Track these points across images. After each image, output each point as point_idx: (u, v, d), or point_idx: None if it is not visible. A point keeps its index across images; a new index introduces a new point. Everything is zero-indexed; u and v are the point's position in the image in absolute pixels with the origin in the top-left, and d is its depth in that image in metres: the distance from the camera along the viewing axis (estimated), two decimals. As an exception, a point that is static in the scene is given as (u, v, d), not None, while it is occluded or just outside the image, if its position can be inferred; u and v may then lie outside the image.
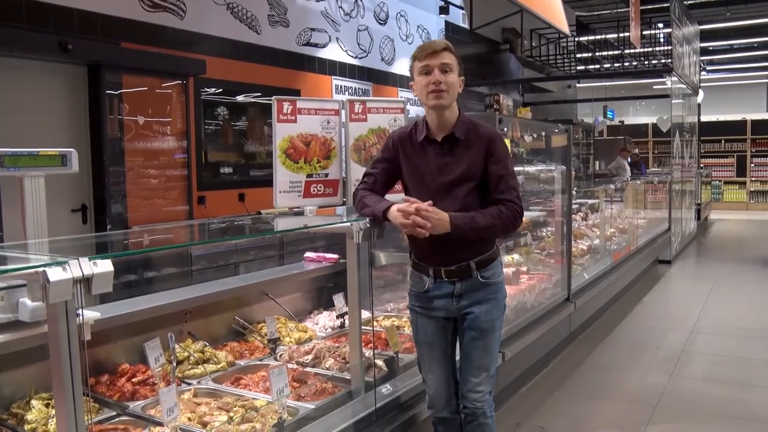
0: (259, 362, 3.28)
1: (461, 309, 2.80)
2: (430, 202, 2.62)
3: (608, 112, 17.68)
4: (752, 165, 20.42)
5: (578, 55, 16.17)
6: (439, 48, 2.68)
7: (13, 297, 2.30)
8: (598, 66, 16.87)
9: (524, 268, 5.28)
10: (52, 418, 2.45)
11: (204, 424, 2.53)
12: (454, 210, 2.68)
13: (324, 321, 3.96)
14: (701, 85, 15.49)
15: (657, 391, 4.62)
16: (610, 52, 16.52)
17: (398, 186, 2.97)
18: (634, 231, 8.76)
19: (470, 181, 2.72)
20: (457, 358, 2.96)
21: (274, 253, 6.01)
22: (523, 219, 2.81)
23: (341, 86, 9.07)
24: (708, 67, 20.02)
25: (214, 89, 7.13)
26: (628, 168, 13.18)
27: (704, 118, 17.53)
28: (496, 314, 2.84)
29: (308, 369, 3.16)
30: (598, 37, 15.81)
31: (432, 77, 2.67)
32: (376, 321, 3.86)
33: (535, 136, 5.59)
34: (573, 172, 6.06)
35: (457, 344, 2.93)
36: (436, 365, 2.90)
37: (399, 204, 2.68)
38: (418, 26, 10.93)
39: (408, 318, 4.03)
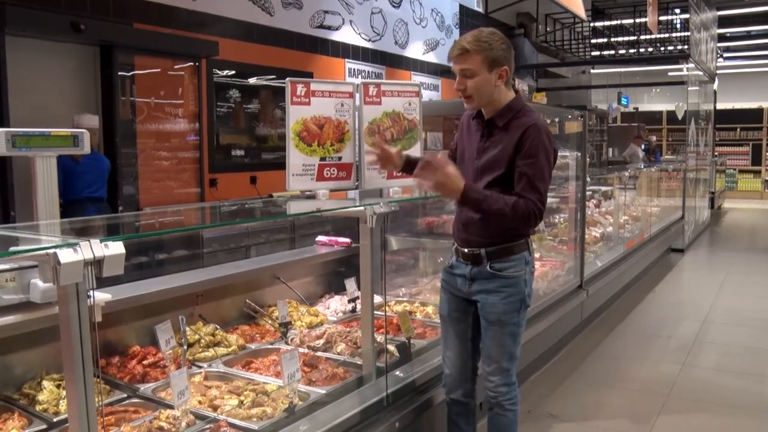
0: (270, 346, 3.27)
1: (472, 293, 2.80)
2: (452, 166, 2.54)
3: (622, 99, 17.51)
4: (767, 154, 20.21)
5: (593, 41, 16.00)
6: (455, 54, 2.64)
7: (25, 278, 2.29)
8: (613, 52, 16.69)
9: (537, 255, 5.24)
10: (63, 399, 2.45)
11: (214, 408, 2.52)
12: None
13: (335, 305, 3.94)
14: (717, 72, 15.30)
15: (669, 380, 4.58)
16: (626, 38, 16.33)
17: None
18: (648, 219, 8.69)
19: (495, 170, 2.66)
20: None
21: (285, 237, 6.00)
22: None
23: (354, 69, 9.02)
24: (725, 54, 19.75)
25: (226, 71, 7.10)
26: (641, 155, 13.07)
27: (720, 106, 17.33)
28: (505, 309, 2.74)
29: (319, 353, 3.15)
30: (614, 22, 15.63)
31: (456, 83, 2.68)
32: (388, 306, 3.84)
33: (549, 121, 5.53)
34: (587, 159, 6.00)
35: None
36: (453, 343, 2.91)
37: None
38: (432, 9, 10.83)
39: (420, 303, 4.05)
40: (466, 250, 2.78)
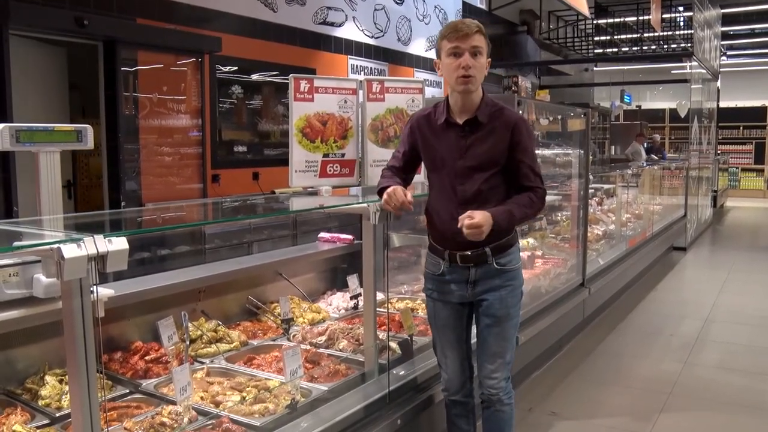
0: (272, 342, 3.27)
1: (476, 295, 2.77)
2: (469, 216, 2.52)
3: (625, 97, 17.47)
4: (770, 152, 20.16)
5: (596, 38, 15.96)
6: (472, 31, 2.59)
7: (28, 273, 2.29)
8: (616, 49, 16.65)
9: (539, 252, 5.23)
10: (66, 394, 2.45)
11: (217, 404, 2.52)
12: (472, 193, 2.65)
13: (337, 302, 3.94)
14: (721, 70, 15.26)
15: (671, 378, 4.58)
16: (629, 36, 16.29)
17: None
18: (650, 217, 8.68)
19: (491, 167, 2.66)
20: (473, 341, 2.94)
21: (287, 233, 6.00)
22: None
23: (357, 66, 9.00)
24: (728, 52, 19.69)
25: (229, 67, 7.09)
26: (643, 153, 13.05)
27: (723, 104, 17.30)
28: (512, 302, 2.79)
29: (321, 350, 3.15)
30: (617, 20, 15.59)
31: (462, 61, 2.59)
32: (390, 303, 3.84)
33: (551, 119, 5.52)
34: (590, 157, 5.99)
35: (473, 329, 2.90)
36: (449, 350, 2.89)
37: (396, 188, 2.62)
38: (435, 6, 10.80)
39: (422, 300, 4.03)
40: (468, 253, 2.71)
